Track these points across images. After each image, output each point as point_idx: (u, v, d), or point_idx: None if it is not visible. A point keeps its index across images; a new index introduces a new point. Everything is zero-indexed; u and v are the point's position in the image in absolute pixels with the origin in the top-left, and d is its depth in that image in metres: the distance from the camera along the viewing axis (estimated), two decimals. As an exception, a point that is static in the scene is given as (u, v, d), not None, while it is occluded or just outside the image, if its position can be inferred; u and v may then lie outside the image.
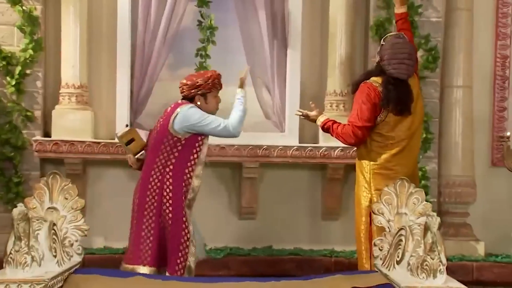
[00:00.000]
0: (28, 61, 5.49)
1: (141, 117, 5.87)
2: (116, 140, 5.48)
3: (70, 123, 5.53)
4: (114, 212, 5.66)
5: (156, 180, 4.39)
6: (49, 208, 3.40)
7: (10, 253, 3.19)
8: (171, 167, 4.43)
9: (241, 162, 5.70)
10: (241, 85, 4.55)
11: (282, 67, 5.93)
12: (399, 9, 4.77)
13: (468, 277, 5.20)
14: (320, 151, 5.62)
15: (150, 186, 4.41)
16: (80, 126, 5.58)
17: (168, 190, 4.39)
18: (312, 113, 4.70)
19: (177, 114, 4.36)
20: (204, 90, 4.43)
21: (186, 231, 4.39)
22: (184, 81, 4.53)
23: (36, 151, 5.44)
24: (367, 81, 4.52)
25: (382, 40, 4.55)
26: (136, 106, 5.87)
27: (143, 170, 4.49)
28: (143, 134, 4.91)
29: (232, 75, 5.31)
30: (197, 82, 4.46)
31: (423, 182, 5.36)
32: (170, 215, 4.36)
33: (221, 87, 4.54)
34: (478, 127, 5.96)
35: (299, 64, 5.84)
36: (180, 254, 4.41)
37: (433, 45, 5.70)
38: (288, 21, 5.90)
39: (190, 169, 4.46)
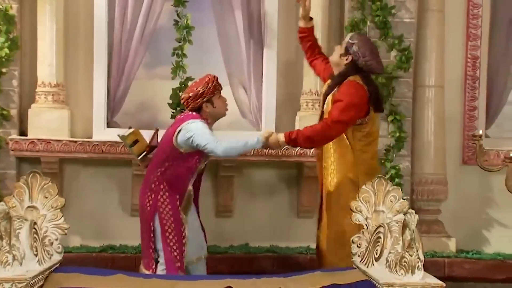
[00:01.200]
0: (3, 59, 5.45)
1: (118, 116, 5.85)
2: (93, 139, 5.53)
3: (47, 122, 5.51)
4: (91, 211, 5.69)
5: (156, 183, 4.44)
6: (29, 207, 3.41)
7: None
8: (168, 174, 4.47)
9: (217, 160, 5.52)
10: (267, 140, 4.42)
11: (258, 66, 5.92)
12: (308, 23, 4.87)
13: (440, 273, 5.21)
14: (296, 150, 5.58)
15: (148, 190, 4.46)
16: (57, 125, 5.55)
17: (164, 195, 4.44)
18: (268, 135, 4.52)
19: (180, 129, 4.41)
20: (208, 96, 4.47)
21: (183, 233, 4.44)
22: (186, 95, 4.56)
23: (12, 150, 5.40)
24: (352, 79, 4.45)
25: (350, 38, 4.49)
26: (113, 104, 5.84)
27: (147, 172, 4.57)
28: (146, 135, 4.88)
29: (207, 71, 5.28)
30: (199, 91, 4.48)
31: (396, 180, 5.39)
32: (166, 218, 4.41)
33: (221, 87, 4.57)
34: (449, 126, 5.99)
35: (275, 63, 5.83)
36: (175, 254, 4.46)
37: (406, 46, 5.69)
38: (265, 21, 5.90)
39: (189, 176, 4.53)
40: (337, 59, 4.57)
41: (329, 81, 4.69)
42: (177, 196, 4.53)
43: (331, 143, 4.50)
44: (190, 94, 4.53)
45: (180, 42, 5.74)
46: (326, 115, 4.51)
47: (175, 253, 4.48)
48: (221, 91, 4.63)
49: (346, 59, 4.46)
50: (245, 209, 5.89)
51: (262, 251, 5.74)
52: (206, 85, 4.52)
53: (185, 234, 4.51)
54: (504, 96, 6.23)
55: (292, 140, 4.41)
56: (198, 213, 4.84)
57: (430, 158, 5.83)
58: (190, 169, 4.56)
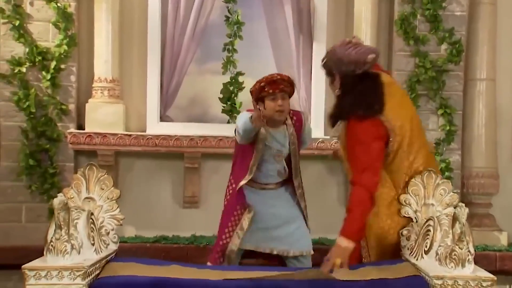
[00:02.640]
0: (62, 56, 5.51)
1: (170, 110, 5.89)
2: (147, 133, 5.64)
3: (103, 116, 5.56)
4: (145, 202, 5.74)
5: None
6: (86, 198, 3.47)
7: (51, 241, 3.24)
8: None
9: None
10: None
11: (307, 61, 5.91)
12: None
13: (491, 267, 5.08)
14: (331, 142, 5.57)
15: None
16: (112, 119, 5.61)
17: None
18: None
19: None
20: (256, 96, 4.31)
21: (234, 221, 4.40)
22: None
23: (71, 143, 5.47)
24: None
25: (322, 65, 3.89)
26: (166, 99, 5.88)
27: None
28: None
29: (258, 68, 5.60)
30: (251, 89, 4.38)
31: (446, 173, 5.33)
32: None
33: (271, 90, 4.22)
34: (500, 119, 5.91)
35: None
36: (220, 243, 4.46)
37: (457, 39, 5.61)
38: (314, 16, 5.87)
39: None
40: (334, 91, 3.88)
41: None
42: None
43: None
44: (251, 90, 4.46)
45: (230, 37, 5.78)
46: None
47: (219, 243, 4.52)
48: (276, 94, 4.27)
49: (335, 80, 3.82)
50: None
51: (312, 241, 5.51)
52: (255, 85, 4.39)
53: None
54: None
55: (357, 231, 3.64)
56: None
57: (481, 151, 5.77)
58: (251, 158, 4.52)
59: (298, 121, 4.48)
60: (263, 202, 4.46)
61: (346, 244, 3.50)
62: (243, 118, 4.31)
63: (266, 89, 4.30)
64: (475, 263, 3.37)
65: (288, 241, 4.41)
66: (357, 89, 3.72)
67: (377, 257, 3.79)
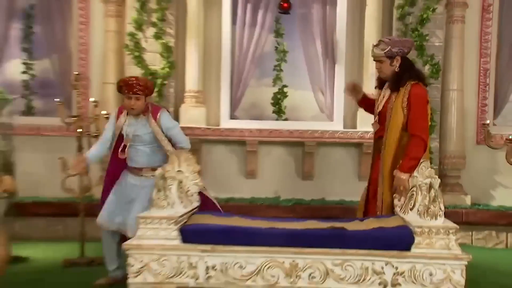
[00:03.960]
0: (165, 75, 6.06)
1: (237, 111, 6.40)
2: (221, 126, 6.04)
3: (192, 116, 6.09)
4: (220, 174, 6.20)
5: None
6: (178, 171, 3.63)
7: (154, 200, 3.60)
8: None
9: (303, 141, 6.12)
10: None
11: (331, 77, 6.33)
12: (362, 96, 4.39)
13: (459, 220, 5.31)
14: (358, 134, 6.02)
15: None
16: (198, 117, 6.12)
17: None
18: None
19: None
20: (119, 90, 4.27)
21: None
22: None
23: None
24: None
25: (383, 47, 4.01)
26: (234, 104, 6.38)
27: None
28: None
29: (297, 82, 6.35)
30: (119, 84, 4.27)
31: (429, 155, 5.06)
32: None
33: (127, 91, 4.17)
34: (466, 118, 6.31)
35: (343, 75, 6.24)
36: None
37: (436, 62, 6.00)
38: (336, 46, 6.27)
39: None
40: (389, 71, 4.04)
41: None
42: None
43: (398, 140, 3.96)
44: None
45: (278, 61, 6.37)
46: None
47: None
48: (130, 95, 4.18)
49: (395, 61, 4.00)
50: (323, 174, 6.26)
51: (334, 203, 6.07)
52: (119, 82, 4.27)
53: None
54: (507, 96, 6.48)
55: (412, 167, 3.70)
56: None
57: (453, 140, 6.20)
58: None
59: (155, 114, 4.28)
60: None
61: (404, 176, 3.72)
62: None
63: (123, 89, 4.20)
64: (448, 217, 3.52)
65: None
66: (415, 67, 4.12)
67: (386, 212, 4.01)
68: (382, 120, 4.11)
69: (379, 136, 4.15)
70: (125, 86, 4.21)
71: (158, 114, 4.32)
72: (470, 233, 6.18)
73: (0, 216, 4.89)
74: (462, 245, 5.61)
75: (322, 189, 6.25)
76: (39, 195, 6.19)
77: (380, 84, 4.21)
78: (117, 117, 4.35)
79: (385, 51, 4.02)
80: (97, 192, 6.05)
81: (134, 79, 4.33)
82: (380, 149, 4.14)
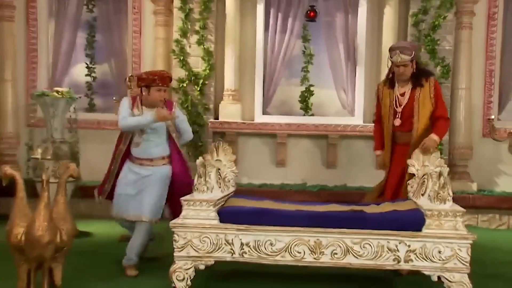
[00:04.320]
0: (206, 76, 6.10)
1: (269, 107, 6.38)
2: (255, 121, 6.05)
3: (229, 111, 6.12)
4: (253, 163, 6.22)
5: None
6: (216, 159, 3.69)
7: (196, 184, 3.64)
8: None
9: (327, 134, 6.11)
10: (156, 115, 3.86)
11: (353, 78, 6.27)
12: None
13: (466, 204, 5.25)
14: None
15: None
16: (234, 113, 6.14)
17: None
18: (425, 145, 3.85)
19: None
20: (146, 83, 3.93)
21: None
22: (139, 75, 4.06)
23: (210, 127, 6.09)
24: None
25: (409, 53, 4.01)
26: (266, 101, 6.37)
27: None
28: None
29: (322, 82, 6.23)
30: (142, 76, 4.00)
31: (439, 147, 4.74)
32: None
33: (161, 84, 3.94)
34: (474, 113, 6.23)
35: (363, 76, 6.20)
36: None
37: (446, 63, 5.94)
38: (357, 50, 6.21)
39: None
40: (410, 72, 4.10)
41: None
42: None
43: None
44: (139, 75, 4.04)
45: (306, 63, 6.35)
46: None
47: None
48: (162, 88, 3.94)
49: (414, 63, 4.10)
50: (344, 164, 6.20)
51: (353, 189, 6.00)
52: (149, 75, 3.97)
53: None
54: (510, 94, 6.38)
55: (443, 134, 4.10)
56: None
57: (461, 132, 6.14)
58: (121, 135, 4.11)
59: (169, 106, 4.07)
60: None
61: (436, 138, 3.95)
62: (144, 120, 3.87)
63: (157, 82, 3.91)
64: (456, 202, 3.55)
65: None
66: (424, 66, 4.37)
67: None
68: (406, 115, 4.12)
69: (398, 130, 4.18)
70: (159, 79, 3.95)
71: (174, 106, 4.15)
72: (476, 216, 6.11)
73: (67, 197, 5.06)
74: (468, 227, 5.56)
75: (344, 177, 6.22)
76: (100, 179, 6.05)
77: (391, 84, 4.20)
78: (132, 109, 4.01)
79: (411, 56, 4.05)
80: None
81: (166, 72, 4.16)
82: (397, 141, 4.20)
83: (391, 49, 4.14)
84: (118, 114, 3.94)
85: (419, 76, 4.12)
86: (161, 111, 3.86)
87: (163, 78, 3.96)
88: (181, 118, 4.18)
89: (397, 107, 4.15)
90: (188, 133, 4.23)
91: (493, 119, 5.13)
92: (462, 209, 3.45)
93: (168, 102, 4.13)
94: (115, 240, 5.11)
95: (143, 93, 3.96)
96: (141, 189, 4.00)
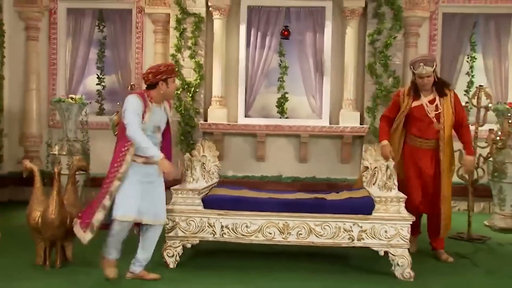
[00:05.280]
0: (197, 85, 6.04)
1: (250, 111, 6.25)
2: (238, 123, 5.99)
3: (216, 115, 6.03)
4: (237, 158, 6.13)
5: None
6: (202, 155, 3.72)
7: (183, 176, 3.66)
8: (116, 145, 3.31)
9: (300, 134, 6.04)
10: (159, 162, 3.13)
11: (320, 86, 6.19)
12: None
13: None
14: (339, 128, 5.91)
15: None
16: (221, 116, 6.04)
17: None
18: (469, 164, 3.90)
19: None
20: (166, 75, 3.21)
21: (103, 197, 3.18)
22: (148, 70, 3.27)
23: (201, 128, 6.00)
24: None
25: (432, 64, 3.80)
26: (248, 106, 6.25)
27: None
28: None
29: (296, 89, 6.16)
30: (161, 69, 3.22)
31: None
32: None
33: (176, 74, 3.42)
34: None
35: (329, 84, 6.12)
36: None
37: (397, 75, 5.89)
38: (323, 63, 6.14)
39: (125, 148, 3.18)
40: (432, 82, 3.86)
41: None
42: (115, 165, 3.22)
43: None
44: (152, 70, 3.23)
45: (281, 74, 6.27)
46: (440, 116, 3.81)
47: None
48: (174, 77, 3.32)
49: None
50: (315, 161, 6.09)
51: (321, 180, 5.93)
52: (166, 66, 3.24)
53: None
54: None
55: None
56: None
57: None
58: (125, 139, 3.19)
59: (168, 102, 3.42)
60: None
61: (471, 158, 3.86)
62: (150, 152, 3.10)
63: (168, 73, 3.22)
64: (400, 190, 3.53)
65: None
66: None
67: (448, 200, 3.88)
68: (437, 119, 3.83)
69: (423, 136, 3.90)
70: (171, 69, 3.26)
71: (171, 105, 3.45)
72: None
73: (80, 187, 5.08)
74: None
75: (313, 170, 6.16)
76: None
77: (416, 95, 3.88)
78: (144, 107, 3.18)
79: (433, 68, 3.82)
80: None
81: (169, 62, 3.67)
82: (416, 144, 3.93)
83: (414, 62, 3.86)
84: (124, 113, 3.14)
85: (441, 85, 3.89)
86: (166, 163, 3.17)
87: (172, 68, 3.32)
88: (169, 113, 3.46)
89: (429, 113, 3.84)
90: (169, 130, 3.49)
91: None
92: (404, 195, 3.50)
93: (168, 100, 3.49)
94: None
95: (161, 87, 3.20)
96: (150, 192, 3.27)
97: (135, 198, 3.20)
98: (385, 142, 3.86)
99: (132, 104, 3.15)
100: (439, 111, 3.84)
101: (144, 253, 3.38)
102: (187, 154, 3.65)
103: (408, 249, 3.47)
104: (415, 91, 3.91)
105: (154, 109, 3.24)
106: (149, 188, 3.25)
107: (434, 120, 3.82)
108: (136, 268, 3.39)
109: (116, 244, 3.31)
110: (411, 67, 3.88)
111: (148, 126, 3.20)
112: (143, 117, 3.15)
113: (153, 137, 3.24)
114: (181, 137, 6.10)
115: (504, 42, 6.31)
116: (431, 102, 3.87)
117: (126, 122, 3.13)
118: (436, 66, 3.88)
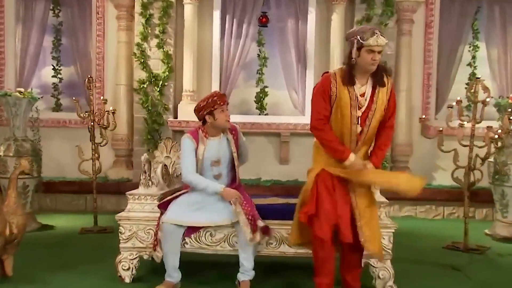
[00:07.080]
0: (165, 78, 6.02)
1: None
2: None
3: (186, 111, 5.90)
4: None
5: None
6: (166, 156, 3.74)
7: (141, 180, 3.58)
8: None
9: (280, 132, 6.09)
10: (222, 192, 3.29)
11: (303, 79, 6.24)
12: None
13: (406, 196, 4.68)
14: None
15: None
16: (192, 113, 5.28)
17: None
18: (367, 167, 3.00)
19: None
20: (209, 109, 3.37)
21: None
22: (195, 107, 3.47)
23: (170, 126, 6.00)
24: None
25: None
26: None
27: None
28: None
29: (276, 83, 6.12)
30: (200, 105, 3.42)
31: None
32: None
33: (222, 102, 3.37)
34: (413, 113, 6.24)
35: (312, 77, 6.13)
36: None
37: (388, 67, 5.57)
38: (307, 53, 6.21)
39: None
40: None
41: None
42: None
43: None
44: (196, 108, 3.45)
45: (260, 66, 6.32)
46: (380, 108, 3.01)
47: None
48: (224, 106, 3.38)
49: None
50: (300, 159, 6.01)
51: (303, 184, 5.78)
52: (206, 100, 3.38)
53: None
54: (446, 95, 6.33)
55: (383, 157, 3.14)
56: None
57: (402, 131, 6.20)
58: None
59: (234, 130, 3.53)
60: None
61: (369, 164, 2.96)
62: (211, 189, 3.29)
63: (218, 102, 3.35)
64: (398, 194, 3.15)
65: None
66: None
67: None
68: (363, 120, 3.01)
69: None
70: (219, 99, 3.36)
71: (238, 131, 3.51)
72: (415, 207, 6.20)
73: (29, 193, 5.01)
74: (408, 217, 6.00)
75: (296, 172, 6.12)
76: (65, 175, 6.25)
77: (350, 80, 2.98)
78: (197, 144, 3.40)
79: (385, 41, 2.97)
80: (109, 173, 6.17)
81: (218, 91, 3.82)
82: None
83: (363, 31, 2.91)
84: (181, 159, 3.37)
85: (382, 72, 3.01)
86: (230, 191, 3.31)
87: (221, 97, 3.39)
88: (244, 139, 3.58)
89: (356, 110, 2.99)
90: (246, 156, 3.63)
91: (423, 118, 5.25)
92: (387, 200, 3.43)
93: (233, 126, 3.51)
94: (76, 233, 5.06)
95: (208, 121, 3.39)
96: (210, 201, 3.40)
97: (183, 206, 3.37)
98: (351, 157, 3.02)
99: (183, 148, 3.40)
100: (363, 108, 3.01)
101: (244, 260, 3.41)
102: (144, 155, 3.57)
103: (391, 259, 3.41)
104: (350, 75, 2.98)
105: (210, 143, 3.42)
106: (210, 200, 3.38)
107: (359, 118, 3.01)
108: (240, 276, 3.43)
109: (170, 254, 3.34)
110: (356, 37, 2.90)
111: (205, 161, 3.39)
112: (196, 154, 3.36)
113: (212, 170, 3.40)
114: (148, 135, 6.09)
115: (510, 29, 6.34)
116: (362, 95, 3.01)
117: (181, 168, 3.40)
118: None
